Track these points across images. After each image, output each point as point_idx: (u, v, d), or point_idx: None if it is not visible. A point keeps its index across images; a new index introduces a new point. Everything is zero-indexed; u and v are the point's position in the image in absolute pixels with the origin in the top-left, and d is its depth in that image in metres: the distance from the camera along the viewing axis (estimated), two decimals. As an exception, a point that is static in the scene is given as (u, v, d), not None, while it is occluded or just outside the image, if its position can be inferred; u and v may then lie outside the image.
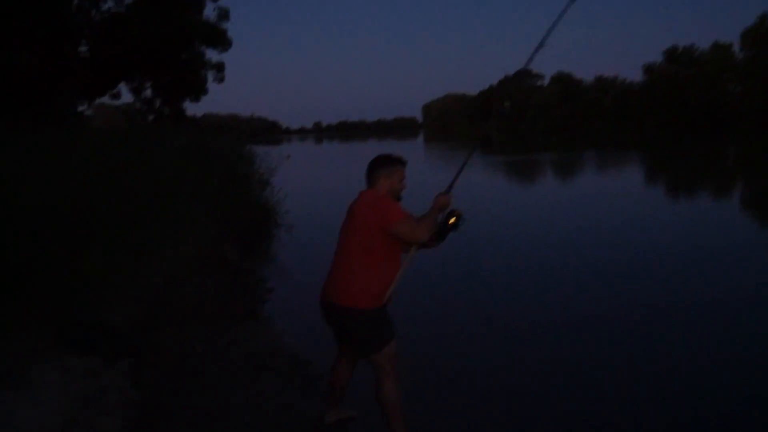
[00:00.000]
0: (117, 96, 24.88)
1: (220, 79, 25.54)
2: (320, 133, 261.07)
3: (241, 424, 4.23)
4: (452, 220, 3.74)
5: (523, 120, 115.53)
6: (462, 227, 3.77)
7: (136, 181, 7.71)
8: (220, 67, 25.28)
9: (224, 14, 23.44)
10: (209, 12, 23.67)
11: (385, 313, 3.75)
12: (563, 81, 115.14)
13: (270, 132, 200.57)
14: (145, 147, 10.46)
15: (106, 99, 25.37)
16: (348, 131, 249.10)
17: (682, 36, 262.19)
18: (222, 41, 23.63)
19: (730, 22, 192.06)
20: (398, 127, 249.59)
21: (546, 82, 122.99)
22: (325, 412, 4.23)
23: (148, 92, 25.47)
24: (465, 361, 5.52)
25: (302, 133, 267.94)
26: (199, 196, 9.20)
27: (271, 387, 4.89)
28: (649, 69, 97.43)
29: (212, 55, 25.13)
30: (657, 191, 19.64)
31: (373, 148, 67.45)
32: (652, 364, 5.26)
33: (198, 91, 25.04)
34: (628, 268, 8.58)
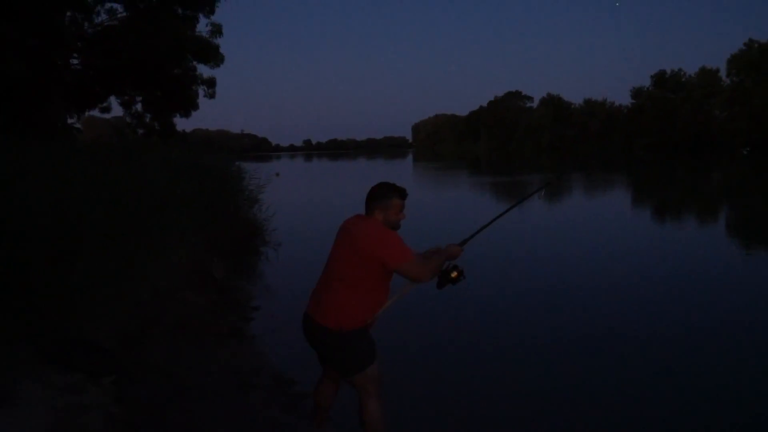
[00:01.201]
0: (107, 109, 24.81)
1: (211, 95, 25.52)
2: (310, 150, 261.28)
3: (224, 443, 4.19)
4: (455, 274, 3.77)
5: (512, 141, 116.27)
6: (459, 284, 3.80)
7: (124, 195, 7.68)
8: (211, 83, 25.26)
9: (217, 30, 23.45)
10: (202, 27, 23.75)
11: (366, 334, 3.75)
12: (553, 103, 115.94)
13: (260, 149, 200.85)
14: (134, 161, 10.43)
15: (95, 112, 25.28)
16: (338, 149, 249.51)
17: (670, 61, 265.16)
18: (214, 57, 23.62)
19: (717, 47, 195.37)
20: (388, 146, 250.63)
21: (535, 104, 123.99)
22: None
23: (138, 106, 25.43)
24: (453, 378, 5.52)
25: (292, 150, 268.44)
26: (187, 211, 9.16)
27: (255, 406, 4.86)
28: (637, 93, 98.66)
29: (204, 70, 25.18)
30: (643, 214, 19.80)
31: (362, 167, 67.65)
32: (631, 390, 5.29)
33: (188, 106, 24.97)
34: (608, 292, 8.65)
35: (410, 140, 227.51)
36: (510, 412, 4.88)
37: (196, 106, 25.35)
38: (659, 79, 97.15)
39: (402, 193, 3.71)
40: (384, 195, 3.67)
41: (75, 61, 21.33)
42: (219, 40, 23.72)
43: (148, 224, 7.36)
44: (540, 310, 7.83)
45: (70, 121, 21.98)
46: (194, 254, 8.67)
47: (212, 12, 23.06)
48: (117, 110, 40.91)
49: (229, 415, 4.62)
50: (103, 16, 21.57)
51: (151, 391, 4.68)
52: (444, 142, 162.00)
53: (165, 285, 6.95)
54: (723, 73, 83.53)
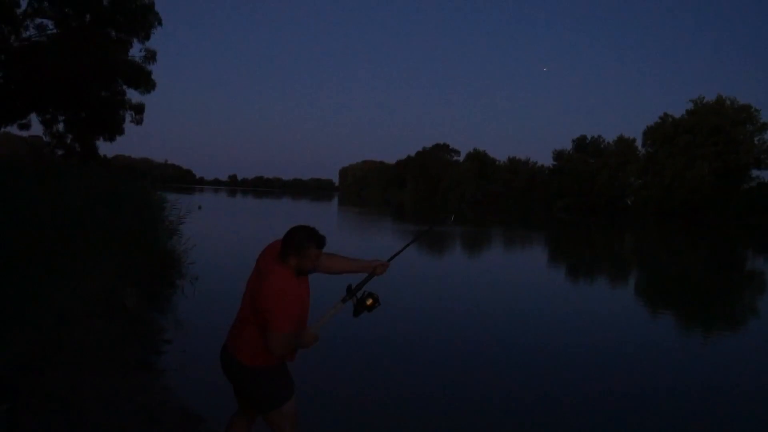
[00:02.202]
0: (26, 126, 23.90)
1: (138, 121, 25.00)
2: (235, 186, 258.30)
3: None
4: (370, 301, 3.72)
5: (437, 192, 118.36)
6: (375, 310, 3.75)
7: (33, 216, 7.35)
8: (139, 109, 24.76)
9: (151, 56, 23.13)
10: (136, 52, 23.31)
11: (284, 370, 3.67)
12: (478, 158, 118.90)
13: (184, 180, 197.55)
14: (49, 181, 10.04)
15: (13, 129, 24.31)
16: (263, 187, 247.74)
17: (590, 127, 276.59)
18: (146, 83, 23.24)
19: (634, 118, 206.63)
20: (314, 188, 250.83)
21: (462, 157, 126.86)
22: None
23: (61, 126, 24.62)
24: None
25: (216, 184, 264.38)
26: (101, 237, 8.84)
27: (159, 442, 4.66)
28: (558, 155, 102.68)
29: (133, 95, 24.71)
30: (556, 274, 20.40)
31: (286, 207, 67.28)
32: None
33: (113, 130, 24.37)
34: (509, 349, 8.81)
35: (336, 183, 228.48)
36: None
37: (121, 131, 24.82)
38: (580, 143, 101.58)
39: (320, 242, 3.62)
40: (301, 244, 3.56)
41: (-4, 74, 20.59)
42: (152, 67, 23.39)
43: (58, 246, 7.06)
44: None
45: (-17, 135, 21.07)
46: (106, 281, 8.34)
47: (147, 38, 22.77)
48: (37, 128, 39.42)
49: (131, 450, 4.41)
50: (32, 31, 20.98)
51: (48, 423, 4.43)
52: (370, 187, 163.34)
53: (71, 310, 6.64)
54: (639, 143, 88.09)
